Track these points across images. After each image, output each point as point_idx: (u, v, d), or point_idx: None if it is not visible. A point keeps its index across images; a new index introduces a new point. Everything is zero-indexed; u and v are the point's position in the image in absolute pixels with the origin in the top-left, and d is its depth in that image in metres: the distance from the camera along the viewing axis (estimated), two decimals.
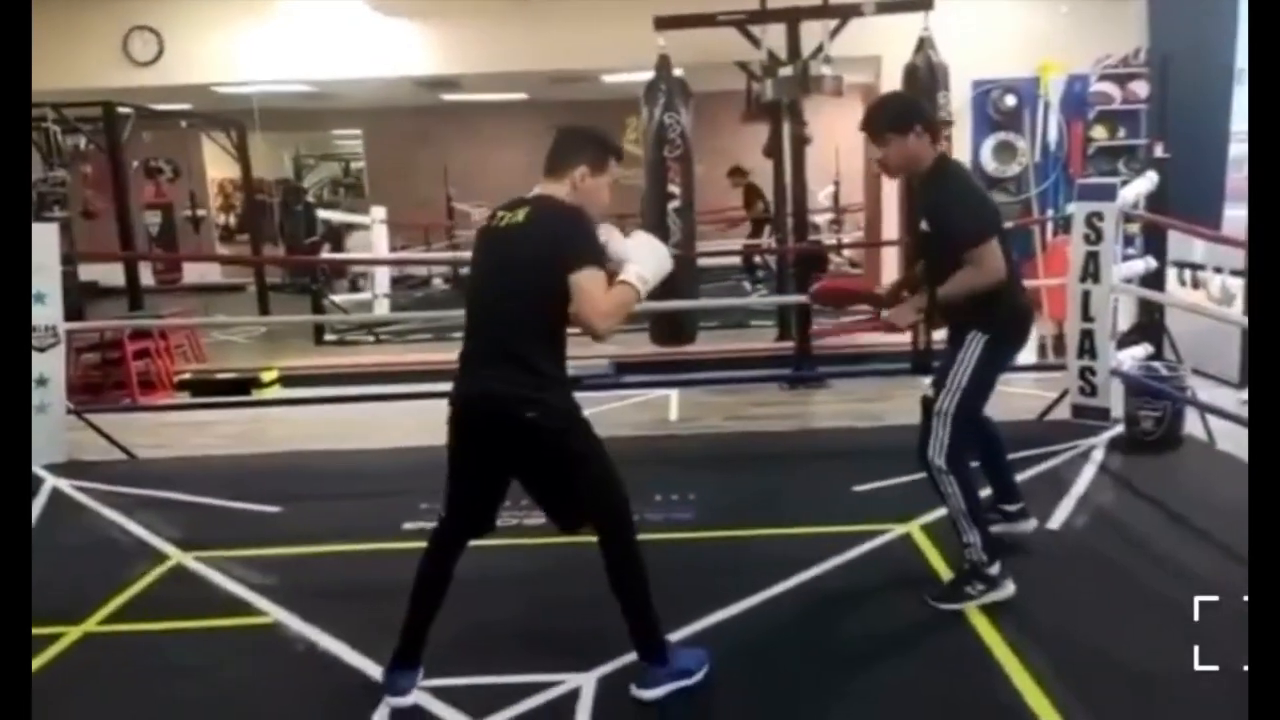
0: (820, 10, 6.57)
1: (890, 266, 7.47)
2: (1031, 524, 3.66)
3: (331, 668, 3.02)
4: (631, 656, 2.85)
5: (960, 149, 7.13)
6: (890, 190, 7.35)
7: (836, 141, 12.19)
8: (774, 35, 6.71)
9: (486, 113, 14.07)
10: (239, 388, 6.70)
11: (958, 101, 6.94)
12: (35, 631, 3.20)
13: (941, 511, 4.12)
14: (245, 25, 7.53)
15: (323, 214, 10.50)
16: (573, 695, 2.78)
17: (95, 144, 8.94)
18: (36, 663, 3.08)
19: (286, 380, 7.07)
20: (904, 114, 3.21)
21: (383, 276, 10.09)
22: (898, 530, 3.89)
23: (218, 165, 14.20)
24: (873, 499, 4.29)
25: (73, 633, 3.27)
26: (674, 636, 3.06)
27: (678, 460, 5.11)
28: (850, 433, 5.60)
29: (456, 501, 2.72)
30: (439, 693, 2.80)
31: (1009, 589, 3.20)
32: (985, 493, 3.51)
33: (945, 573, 3.48)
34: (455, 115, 13.91)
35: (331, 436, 5.69)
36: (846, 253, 12.48)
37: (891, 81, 7.04)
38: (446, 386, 2.71)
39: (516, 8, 7.36)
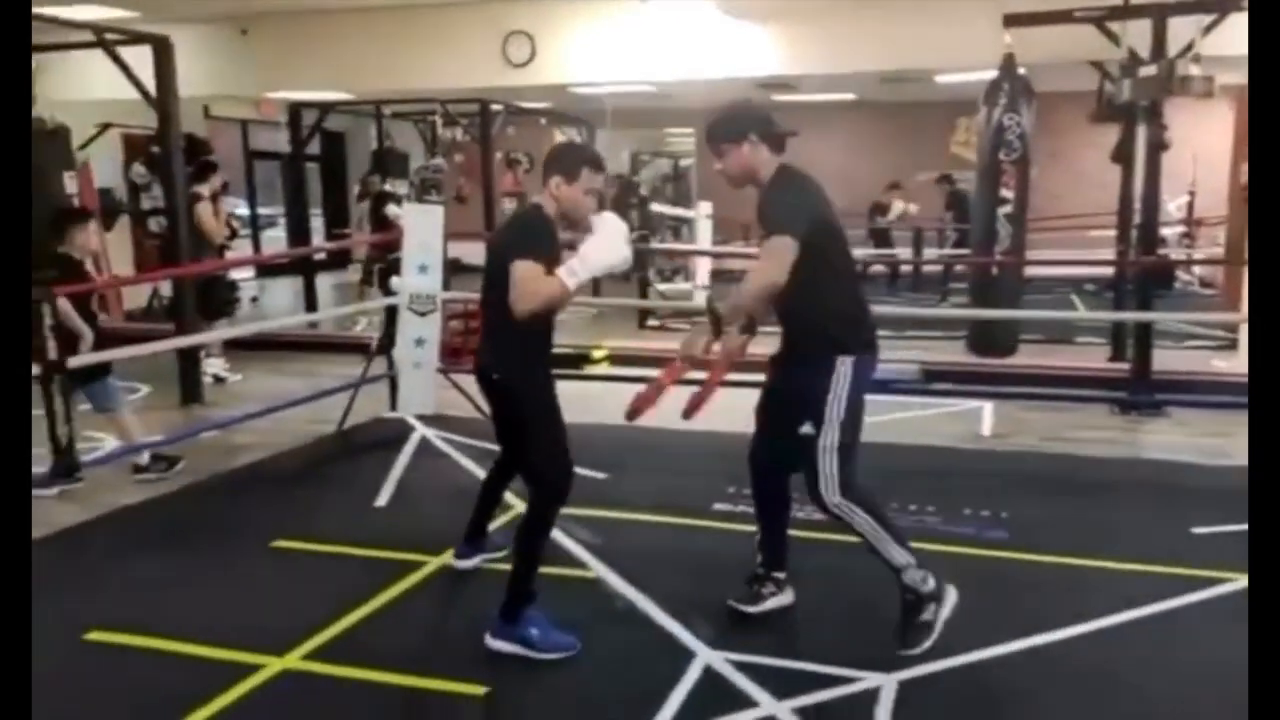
0: (1193, 4, 6.02)
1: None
2: (790, 597, 3.38)
3: (646, 628, 3.30)
4: (935, 665, 2.92)
5: None
6: None
7: (1194, 148, 11.04)
8: (1134, 32, 6.25)
9: (813, 113, 14.16)
10: (573, 362, 7.32)
11: None
12: (403, 558, 3.83)
13: None
14: (605, 29, 8.15)
15: (655, 207, 11.11)
16: (872, 695, 2.86)
17: (470, 136, 10.14)
18: (409, 582, 3.66)
19: (614, 359, 7.65)
20: (736, 124, 3.10)
21: (704, 268, 10.52)
22: (1241, 581, 3.56)
23: None
24: (1213, 543, 3.95)
25: (433, 563, 3.83)
26: (974, 657, 3.04)
27: (990, 476, 4.98)
28: (1190, 468, 5.14)
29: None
30: (744, 667, 2.99)
31: (954, 595, 3.04)
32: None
33: None
34: (781, 116, 14.12)
35: (648, 415, 6.08)
36: (1198, 270, 11.28)
37: None
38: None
39: (858, 7, 7.40)
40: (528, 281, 3.00)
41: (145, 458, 5.06)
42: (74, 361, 4.52)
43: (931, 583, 3.00)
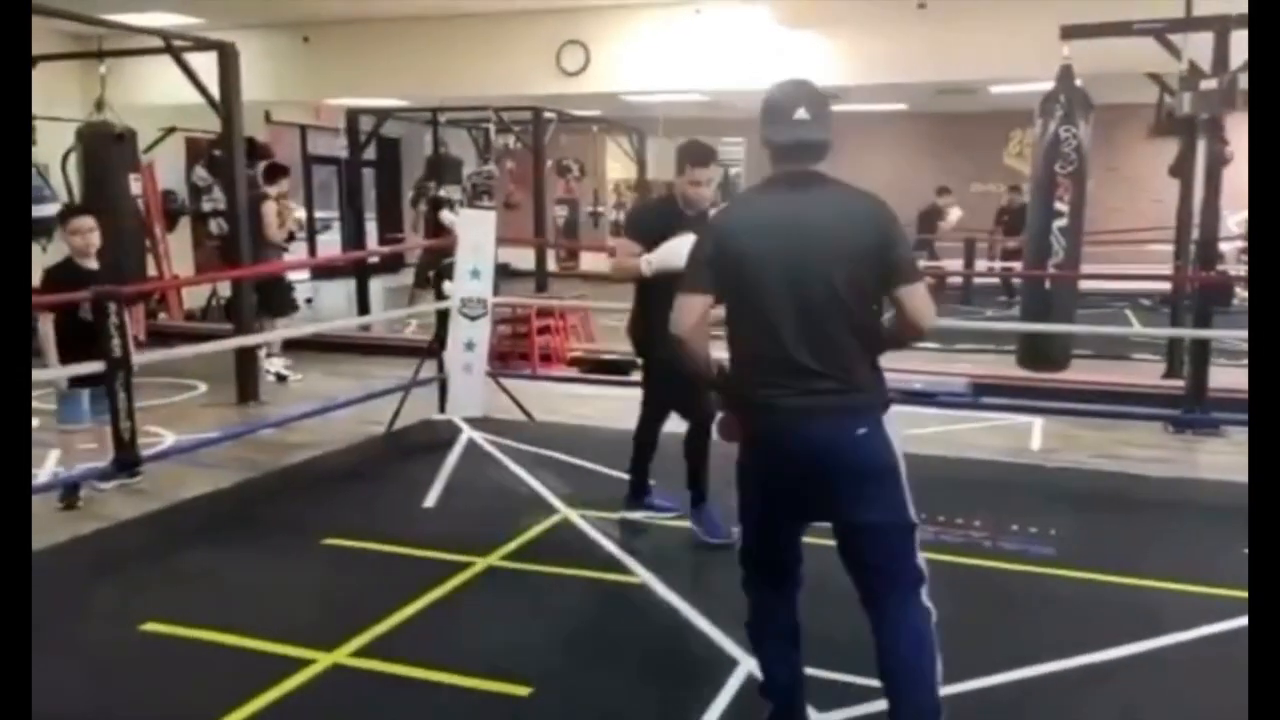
0: None
1: None
2: None
3: (689, 634, 3.33)
4: (977, 683, 2.93)
5: None
6: None
7: None
8: (1196, 44, 6.14)
9: (864, 122, 14.10)
10: (619, 368, 7.37)
11: None
12: (451, 558, 3.89)
13: None
14: (659, 38, 8.20)
15: None
16: None
17: (522, 143, 10.27)
18: (455, 582, 3.73)
19: None
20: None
21: None
22: None
23: (616, 167, 15.53)
24: None
25: (479, 564, 3.89)
26: (1018, 675, 3.01)
27: (1038, 492, 4.92)
28: (1244, 489, 5.00)
29: None
30: None
31: None
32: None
33: None
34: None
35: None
36: None
37: None
38: None
39: (914, 17, 7.35)
40: (616, 254, 3.89)
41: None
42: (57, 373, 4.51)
43: None
